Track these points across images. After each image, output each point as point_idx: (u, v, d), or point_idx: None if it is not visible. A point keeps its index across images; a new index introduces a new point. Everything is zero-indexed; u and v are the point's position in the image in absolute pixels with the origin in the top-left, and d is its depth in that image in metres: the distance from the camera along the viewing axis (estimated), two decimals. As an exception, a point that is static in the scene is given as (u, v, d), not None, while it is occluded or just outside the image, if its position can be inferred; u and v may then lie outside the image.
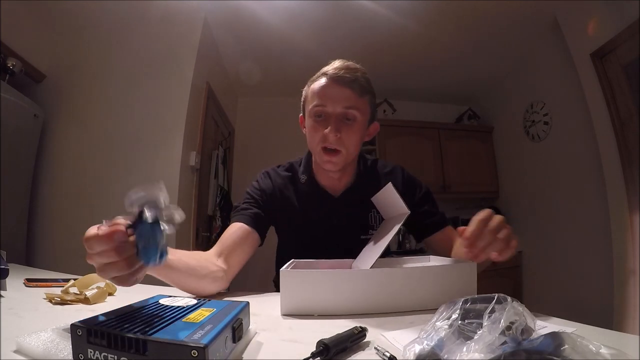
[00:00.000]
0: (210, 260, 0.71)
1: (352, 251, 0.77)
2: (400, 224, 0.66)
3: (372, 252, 0.69)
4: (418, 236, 0.92)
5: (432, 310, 0.54)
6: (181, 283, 0.64)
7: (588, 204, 2.12)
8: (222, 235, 0.79)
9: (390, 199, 0.73)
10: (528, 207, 2.68)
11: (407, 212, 0.66)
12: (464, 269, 0.60)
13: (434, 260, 0.77)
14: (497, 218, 0.54)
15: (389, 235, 0.66)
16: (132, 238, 0.39)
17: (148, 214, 0.38)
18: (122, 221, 0.39)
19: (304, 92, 0.85)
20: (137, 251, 0.39)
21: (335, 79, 0.77)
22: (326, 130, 0.76)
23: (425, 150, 2.93)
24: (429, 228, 0.88)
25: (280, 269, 0.57)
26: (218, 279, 0.69)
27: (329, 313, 0.54)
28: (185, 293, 0.66)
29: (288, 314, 0.55)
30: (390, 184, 0.72)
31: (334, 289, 0.55)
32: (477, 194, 3.04)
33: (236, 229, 0.79)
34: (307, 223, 0.87)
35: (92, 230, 0.40)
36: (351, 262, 0.74)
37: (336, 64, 0.79)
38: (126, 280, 0.41)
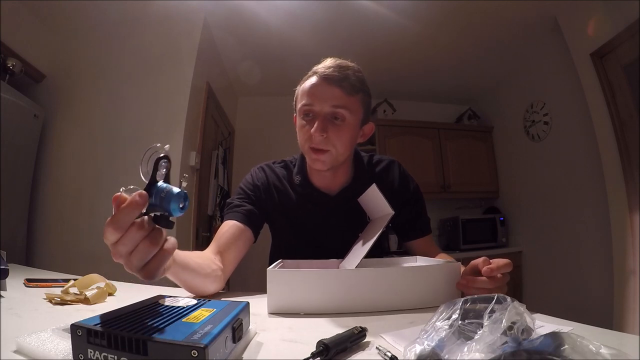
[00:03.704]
0: (210, 259, 0.71)
1: (350, 250, 0.77)
2: (385, 224, 0.67)
3: (358, 252, 0.69)
4: (401, 238, 0.93)
5: (416, 309, 0.56)
6: (189, 282, 0.63)
7: (588, 203, 2.12)
8: (217, 234, 0.78)
9: (375, 200, 0.73)
10: (528, 207, 2.68)
11: (392, 212, 0.66)
12: (448, 269, 0.61)
13: (421, 261, 0.77)
14: (508, 267, 0.58)
15: (374, 236, 0.67)
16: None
17: (163, 169, 0.39)
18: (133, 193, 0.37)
19: (295, 91, 0.84)
20: (155, 216, 0.38)
21: (324, 78, 0.75)
22: (312, 130, 0.75)
23: (425, 150, 2.93)
24: (412, 233, 0.90)
25: (268, 269, 0.57)
26: (218, 279, 0.69)
27: (314, 312, 0.55)
28: (185, 293, 0.65)
29: (275, 313, 0.55)
30: (374, 185, 0.72)
31: (319, 289, 0.56)
32: (477, 194, 3.05)
33: (230, 227, 0.78)
34: (304, 223, 0.86)
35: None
36: (339, 262, 0.74)
37: (327, 62, 0.78)
38: (155, 269, 0.39)
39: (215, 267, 0.69)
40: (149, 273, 0.39)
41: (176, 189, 0.38)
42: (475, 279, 0.57)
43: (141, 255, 0.37)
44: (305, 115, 0.78)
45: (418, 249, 0.90)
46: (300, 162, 0.89)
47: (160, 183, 0.39)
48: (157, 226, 0.38)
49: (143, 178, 0.38)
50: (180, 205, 0.38)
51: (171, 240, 0.41)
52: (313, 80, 0.77)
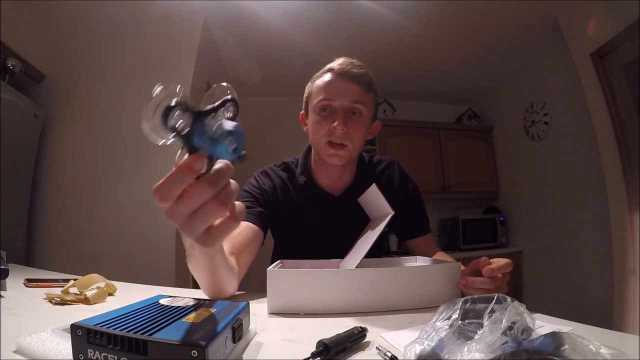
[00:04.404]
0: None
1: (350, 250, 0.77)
2: (385, 224, 0.67)
3: (358, 252, 0.70)
4: (400, 237, 0.94)
5: (416, 309, 0.56)
6: (219, 271, 0.55)
7: (588, 203, 2.12)
8: (231, 234, 0.76)
9: (375, 200, 0.73)
10: (528, 207, 2.68)
11: (392, 212, 0.66)
12: (448, 269, 0.61)
13: (421, 261, 0.78)
14: (508, 267, 0.59)
15: (374, 236, 0.67)
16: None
17: (179, 121, 0.28)
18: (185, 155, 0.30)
19: (307, 88, 0.85)
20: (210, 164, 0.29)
21: (342, 74, 0.77)
22: (334, 124, 0.76)
23: (425, 150, 2.93)
24: (412, 232, 0.91)
25: (268, 269, 0.57)
26: (236, 279, 0.66)
27: (314, 312, 0.55)
28: (184, 293, 0.65)
29: (275, 313, 0.55)
30: (374, 185, 0.73)
31: (319, 289, 0.56)
32: (477, 194, 3.05)
33: (244, 228, 0.77)
34: (308, 224, 0.86)
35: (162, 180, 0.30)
36: (339, 262, 0.74)
37: (341, 60, 0.80)
38: (220, 234, 0.32)
39: (235, 266, 0.66)
40: (210, 239, 0.31)
41: (229, 124, 0.29)
42: (475, 280, 0.57)
43: (207, 216, 0.30)
44: (322, 110, 0.79)
45: (417, 249, 0.91)
46: (304, 162, 0.89)
47: (207, 118, 0.29)
48: (230, 180, 0.30)
49: (154, 138, 0.29)
50: (232, 148, 0.28)
51: (238, 204, 0.33)
52: (330, 76, 0.78)
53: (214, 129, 0.29)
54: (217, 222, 0.32)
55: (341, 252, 0.77)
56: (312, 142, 0.84)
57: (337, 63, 0.79)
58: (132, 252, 1.77)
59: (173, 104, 0.28)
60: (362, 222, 0.83)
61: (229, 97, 0.32)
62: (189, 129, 0.29)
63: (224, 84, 0.32)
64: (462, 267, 0.64)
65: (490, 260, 0.58)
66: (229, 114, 0.32)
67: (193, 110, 0.29)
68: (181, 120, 0.29)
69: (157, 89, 0.29)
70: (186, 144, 0.29)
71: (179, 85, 0.29)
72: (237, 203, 0.33)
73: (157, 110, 0.28)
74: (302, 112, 0.88)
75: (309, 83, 0.85)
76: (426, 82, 2.95)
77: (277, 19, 2.03)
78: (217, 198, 0.30)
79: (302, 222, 0.87)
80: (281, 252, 0.92)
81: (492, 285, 0.56)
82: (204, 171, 0.30)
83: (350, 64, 0.78)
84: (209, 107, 0.30)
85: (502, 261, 0.58)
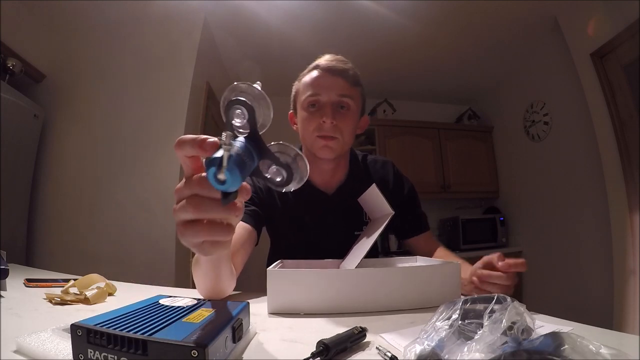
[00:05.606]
0: None
1: (348, 248, 0.77)
2: (385, 225, 0.67)
3: (358, 252, 0.70)
4: (399, 236, 0.94)
5: (416, 309, 0.56)
6: (221, 275, 0.56)
7: (588, 203, 2.12)
8: None
9: (375, 200, 0.74)
10: (528, 207, 2.68)
11: (392, 212, 0.66)
12: (448, 269, 0.61)
13: (421, 261, 0.78)
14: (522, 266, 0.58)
15: (374, 236, 0.67)
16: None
17: (237, 118, 0.28)
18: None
19: (294, 87, 0.86)
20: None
21: (327, 69, 0.78)
22: (323, 118, 0.77)
23: (425, 150, 2.93)
24: (410, 230, 0.91)
25: (268, 269, 0.57)
26: (234, 282, 0.65)
27: (314, 312, 0.55)
28: (184, 293, 0.65)
29: (275, 313, 0.55)
30: (374, 185, 0.73)
31: (319, 289, 0.56)
32: (477, 194, 3.05)
33: (237, 228, 0.76)
34: (302, 223, 0.86)
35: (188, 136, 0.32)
36: (339, 262, 0.74)
37: (327, 56, 0.82)
38: (195, 233, 0.32)
39: (234, 270, 0.66)
40: (181, 230, 0.33)
41: (234, 150, 0.28)
42: (491, 274, 0.57)
43: (181, 209, 0.32)
44: (311, 106, 0.80)
45: (418, 247, 0.91)
46: None
47: (240, 139, 0.28)
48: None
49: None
50: (218, 176, 0.27)
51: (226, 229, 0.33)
52: (317, 72, 0.79)
53: (231, 146, 0.28)
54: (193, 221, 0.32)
55: (337, 251, 0.77)
56: (303, 139, 0.84)
57: (322, 60, 0.81)
58: (132, 252, 1.77)
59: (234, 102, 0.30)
60: (357, 220, 0.84)
61: (293, 172, 0.32)
62: (229, 128, 0.30)
63: (307, 167, 0.33)
64: (467, 265, 0.63)
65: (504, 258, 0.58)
66: (279, 179, 0.32)
67: (252, 127, 0.31)
68: (238, 120, 0.30)
69: (258, 85, 0.32)
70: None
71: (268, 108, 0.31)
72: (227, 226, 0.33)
73: (232, 95, 0.31)
74: (291, 111, 0.89)
75: (296, 82, 0.86)
76: (426, 82, 2.95)
77: (277, 19, 2.03)
78: (189, 200, 0.32)
79: (297, 222, 0.86)
80: (277, 251, 0.92)
81: (509, 282, 0.56)
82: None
83: (335, 60, 0.80)
84: (270, 146, 0.32)
85: (518, 260, 0.58)
